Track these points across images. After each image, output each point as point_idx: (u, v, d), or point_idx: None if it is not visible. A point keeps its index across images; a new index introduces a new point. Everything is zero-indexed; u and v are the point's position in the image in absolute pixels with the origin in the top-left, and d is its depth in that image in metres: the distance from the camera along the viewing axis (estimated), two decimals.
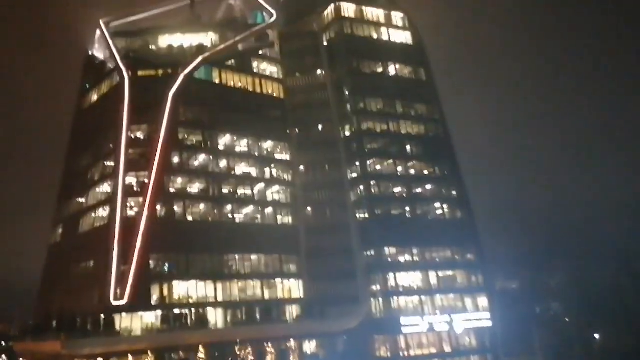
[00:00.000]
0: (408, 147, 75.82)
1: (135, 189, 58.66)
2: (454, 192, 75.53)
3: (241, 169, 67.18)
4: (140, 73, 65.07)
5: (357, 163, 71.95)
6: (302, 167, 72.24)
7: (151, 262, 56.26)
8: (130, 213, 57.27)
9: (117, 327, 52.82)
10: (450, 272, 71.12)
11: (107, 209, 58.27)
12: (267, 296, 62.54)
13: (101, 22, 72.39)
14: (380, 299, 65.68)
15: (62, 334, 50.63)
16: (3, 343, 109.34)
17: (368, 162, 72.01)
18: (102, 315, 52.50)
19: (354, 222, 69.78)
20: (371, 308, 65.49)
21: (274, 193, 68.96)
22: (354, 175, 72.04)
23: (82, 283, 58.39)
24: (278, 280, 64.21)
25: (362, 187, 70.77)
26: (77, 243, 61.87)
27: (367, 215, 69.64)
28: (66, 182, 69.89)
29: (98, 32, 73.43)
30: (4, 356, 67.45)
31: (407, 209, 71.97)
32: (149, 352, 52.42)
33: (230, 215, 63.82)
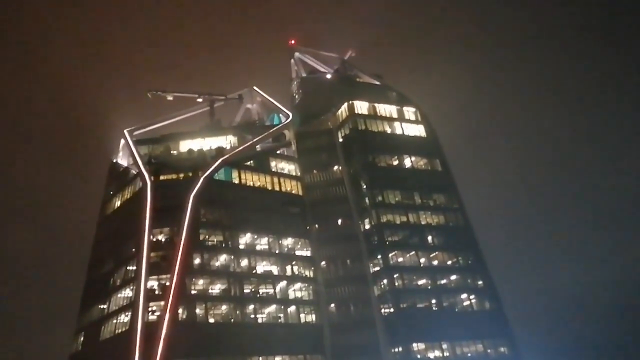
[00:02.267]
0: (429, 238, 75.26)
1: (157, 292, 58.49)
2: (480, 282, 73.75)
3: (262, 267, 66.99)
4: (162, 177, 67.29)
5: (379, 256, 71.27)
6: (323, 263, 71.74)
7: None
8: (152, 317, 56.68)
9: None
10: None
11: (129, 314, 57.76)
12: None
13: (125, 132, 76.05)
14: None
15: None
16: None
17: (390, 255, 71.25)
18: None
19: (379, 317, 67.86)
20: None
21: (296, 290, 68.02)
22: (376, 268, 71.10)
23: None
24: None
25: (385, 281, 69.55)
26: (98, 351, 60.80)
27: (392, 310, 67.81)
28: (88, 289, 69.90)
29: (122, 140, 76.96)
30: None
31: (433, 301, 70.01)
32: None
33: (252, 315, 62.76)
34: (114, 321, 60.29)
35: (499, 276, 77.49)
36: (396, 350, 65.30)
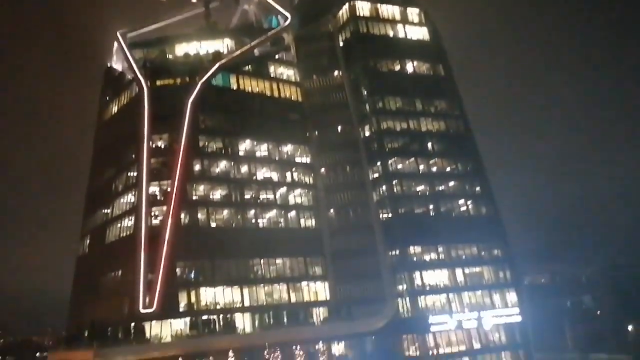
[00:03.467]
0: (429, 145, 75.20)
1: (158, 198, 59.28)
2: (477, 188, 74.69)
3: (262, 173, 67.45)
4: (158, 82, 65.78)
5: (378, 163, 71.57)
6: (323, 169, 72.19)
7: (177, 270, 56.85)
8: (155, 222, 57.87)
9: (147, 334, 53.52)
10: (477, 269, 70.29)
11: (132, 218, 58.95)
12: (293, 299, 62.67)
13: (118, 34, 73.34)
14: (407, 298, 65.13)
15: (94, 343, 51.31)
16: (38, 354, 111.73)
17: (389, 162, 71.51)
18: (132, 324, 53.16)
19: (377, 222, 69.37)
20: (398, 308, 64.99)
21: (296, 196, 69.04)
22: (376, 175, 71.67)
23: (111, 293, 59.29)
24: (304, 283, 64.27)
25: (384, 187, 70.36)
26: (104, 254, 62.78)
27: (390, 215, 69.22)
28: (91, 194, 71.01)
29: (115, 44, 74.46)
30: None
31: (431, 206, 71.34)
32: (179, 358, 52.84)
33: (253, 221, 64.07)
34: (118, 225, 61.65)
35: (497, 183, 78.57)
36: (393, 253, 67.43)
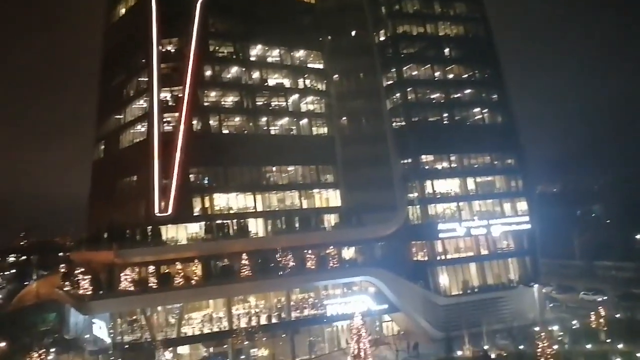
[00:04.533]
0: (446, 50, 72.79)
1: (170, 103, 58.82)
2: (494, 96, 73.06)
3: (274, 79, 66.25)
4: None
5: (393, 69, 69.73)
6: (336, 76, 70.49)
7: (191, 176, 57.64)
8: (168, 128, 57.91)
9: (164, 237, 55.31)
10: (489, 178, 70.47)
11: (145, 124, 59.03)
12: (305, 205, 63.84)
13: None
14: (418, 206, 66.03)
15: (114, 244, 53.37)
16: (60, 254, 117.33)
17: (404, 68, 69.64)
18: (149, 227, 54.81)
19: (390, 130, 68.77)
20: (408, 215, 66.10)
21: (309, 103, 68.16)
22: (390, 82, 70.07)
23: (128, 197, 60.73)
24: (315, 190, 65.14)
25: (397, 94, 69.08)
26: (119, 159, 63.65)
27: (403, 123, 68.51)
28: (103, 99, 70.76)
29: None
30: (63, 265, 72.19)
31: (445, 115, 70.30)
32: (195, 259, 55.09)
33: (265, 127, 63.83)
34: (131, 131, 61.95)
35: (515, 90, 76.62)
36: (405, 161, 67.48)
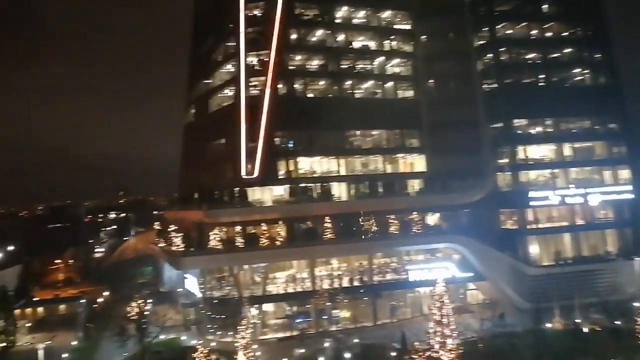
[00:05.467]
0: (545, 7, 67.72)
1: (256, 68, 59.54)
2: (598, 55, 67.43)
3: (359, 42, 64.99)
4: None
5: (485, 28, 66.01)
6: (423, 37, 67.74)
7: (276, 139, 58.52)
8: (254, 92, 58.78)
9: (250, 198, 57.01)
10: (588, 143, 65.82)
11: (232, 89, 60.27)
12: (389, 170, 63.11)
13: None
14: (508, 173, 63.07)
15: (204, 204, 55.71)
16: (155, 212, 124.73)
17: (497, 27, 65.72)
18: (237, 188, 56.56)
19: (480, 93, 65.62)
20: (497, 182, 63.39)
21: (394, 66, 66.47)
22: (482, 42, 66.46)
23: (217, 159, 62.86)
24: (400, 154, 64.05)
25: (490, 55, 65.50)
26: (208, 122, 65.70)
27: (495, 85, 65.08)
28: (193, 64, 72.90)
29: None
30: (157, 223, 76.73)
31: (541, 76, 65.84)
32: (279, 221, 56.40)
33: (350, 91, 63.16)
34: (219, 95, 63.63)
35: (622, 48, 70.17)
36: (496, 126, 64.38)
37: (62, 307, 68.76)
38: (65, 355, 50.93)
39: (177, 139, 75.67)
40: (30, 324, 63.36)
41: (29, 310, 65.80)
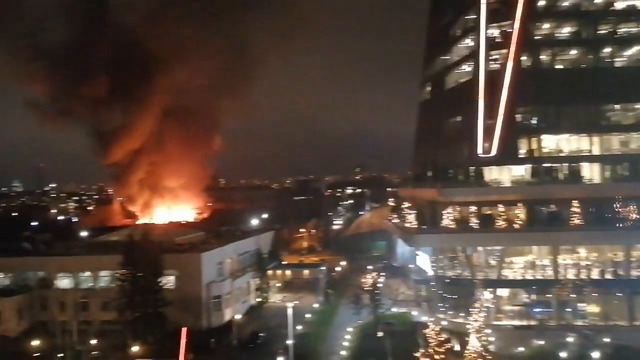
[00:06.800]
0: None
1: (498, 40, 56.39)
2: None
3: (624, 2, 56.37)
4: None
5: None
6: None
7: (517, 116, 55.02)
8: (494, 66, 55.91)
9: (487, 178, 54.91)
10: None
11: (470, 64, 58.12)
12: None
13: None
14: None
15: (437, 182, 55.39)
16: (389, 189, 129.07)
17: None
18: (472, 167, 54.83)
19: None
20: None
21: None
22: None
23: (452, 137, 61.69)
24: None
25: None
26: (444, 100, 64.72)
27: None
28: (431, 41, 72.24)
29: None
30: (391, 199, 79.06)
31: None
32: (518, 203, 53.12)
33: (608, 60, 55.75)
34: (457, 71, 62.05)
35: None
36: None
37: (305, 272, 75.96)
38: (308, 315, 56.21)
39: (412, 116, 76.50)
40: (279, 284, 71.50)
41: (279, 272, 74.05)
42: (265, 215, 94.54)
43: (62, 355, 37.40)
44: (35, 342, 45.57)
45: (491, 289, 51.65)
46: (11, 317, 53.07)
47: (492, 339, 41.32)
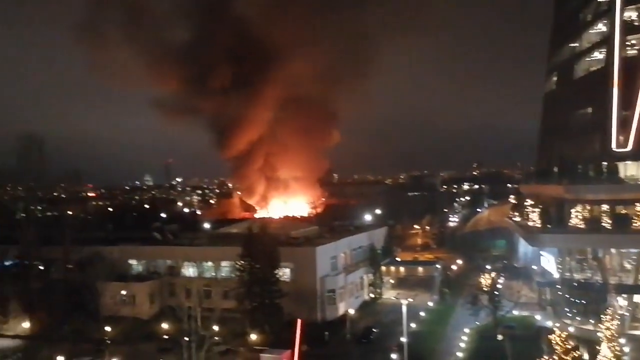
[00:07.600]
0: None
1: (635, 24, 51.45)
2: None
3: None
4: None
5: None
6: None
7: None
8: (631, 52, 51.16)
9: (622, 174, 50.37)
10: None
11: (603, 50, 53.66)
12: None
13: None
14: None
15: (565, 178, 51.71)
16: (509, 185, 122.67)
17: None
18: (604, 163, 50.59)
19: None
20: None
21: None
22: None
23: (581, 130, 57.38)
24: None
25: None
26: (572, 90, 60.28)
27: None
28: (557, 28, 67.65)
29: None
30: (512, 196, 75.17)
31: None
32: None
33: None
34: (587, 59, 57.60)
35: None
36: None
37: (420, 269, 74.57)
38: (422, 313, 55.26)
39: (536, 109, 72.03)
40: (393, 281, 70.94)
41: (392, 268, 73.45)
42: (378, 211, 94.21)
43: (187, 338, 40.58)
44: (165, 325, 49.74)
45: (626, 295, 47.40)
46: (144, 301, 59.11)
47: (626, 349, 37.94)
